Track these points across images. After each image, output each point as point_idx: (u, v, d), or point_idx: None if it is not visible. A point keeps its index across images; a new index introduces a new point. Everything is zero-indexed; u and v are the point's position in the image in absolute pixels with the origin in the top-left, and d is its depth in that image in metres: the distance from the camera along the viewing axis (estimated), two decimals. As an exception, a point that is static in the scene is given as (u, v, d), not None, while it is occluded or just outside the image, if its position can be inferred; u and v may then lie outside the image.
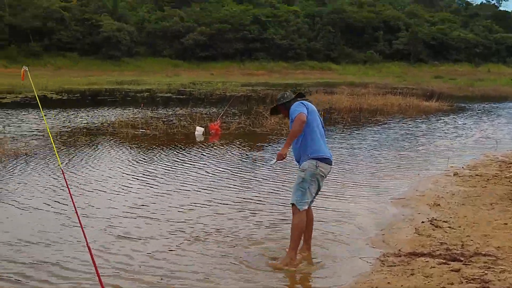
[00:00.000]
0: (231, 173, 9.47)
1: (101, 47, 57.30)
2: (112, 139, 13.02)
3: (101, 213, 6.73)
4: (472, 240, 5.57)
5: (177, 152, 11.56)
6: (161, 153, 11.36)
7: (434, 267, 4.81)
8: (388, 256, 5.26)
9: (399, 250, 5.40)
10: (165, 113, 19.26)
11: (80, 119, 17.00)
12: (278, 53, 65.68)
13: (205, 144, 12.85)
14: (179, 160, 10.59)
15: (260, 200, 7.47)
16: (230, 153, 11.54)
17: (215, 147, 12.29)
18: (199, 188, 8.20)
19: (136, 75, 47.95)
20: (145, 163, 10.20)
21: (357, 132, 15.70)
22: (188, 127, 15.22)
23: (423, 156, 11.59)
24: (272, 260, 5.15)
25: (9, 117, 16.97)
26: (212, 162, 10.49)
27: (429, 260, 5.01)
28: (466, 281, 4.42)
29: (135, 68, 56.05)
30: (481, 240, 5.58)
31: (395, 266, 4.96)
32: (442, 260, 5.00)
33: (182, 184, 8.44)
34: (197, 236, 5.89)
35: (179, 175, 9.18)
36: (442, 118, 20.04)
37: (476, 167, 10.10)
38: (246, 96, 28.67)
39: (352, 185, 8.51)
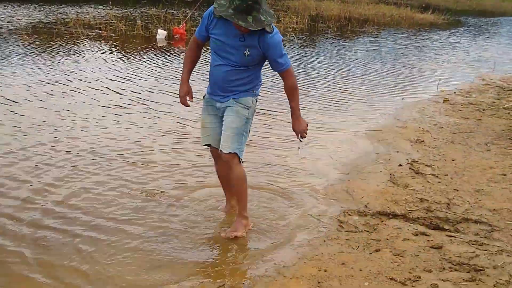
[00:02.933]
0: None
1: None
2: (57, 40, 11.29)
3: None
4: (461, 197, 4.28)
5: (128, 56, 9.97)
6: (108, 57, 9.76)
7: (408, 239, 3.54)
8: (350, 215, 3.97)
9: (365, 206, 4.11)
10: (131, 13, 17.31)
11: (35, 15, 15.05)
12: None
13: (164, 49, 11.22)
14: (126, 66, 9.04)
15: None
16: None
17: (173, 54, 10.67)
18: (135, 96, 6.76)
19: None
20: (80, 68, 8.63)
21: (340, 45, 14.09)
22: (151, 30, 13.49)
23: (411, 77, 10.16)
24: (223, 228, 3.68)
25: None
26: (164, 71, 8.95)
27: (402, 227, 3.73)
28: (450, 267, 3.16)
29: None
30: (473, 197, 4.30)
31: (356, 232, 3.69)
32: (420, 227, 3.74)
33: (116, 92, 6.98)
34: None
35: (120, 81, 7.69)
36: (436, 33, 18.37)
37: (470, 92, 8.74)
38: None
39: (319, 111, 7.10)
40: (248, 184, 3.61)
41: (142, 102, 6.84)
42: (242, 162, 3.48)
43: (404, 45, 14.78)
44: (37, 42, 10.80)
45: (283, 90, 3.46)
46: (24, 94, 6.76)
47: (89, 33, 12.53)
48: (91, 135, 5.44)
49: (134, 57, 9.99)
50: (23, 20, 14.01)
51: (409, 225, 3.77)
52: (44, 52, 9.90)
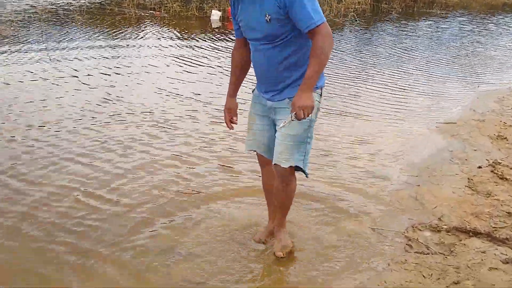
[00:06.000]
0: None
1: None
2: (109, 21, 10.97)
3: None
4: (560, 212, 3.51)
5: (178, 38, 9.49)
6: (158, 38, 9.32)
7: (496, 268, 2.82)
8: (420, 230, 3.29)
9: (439, 219, 3.41)
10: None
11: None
12: None
13: (217, 31, 10.66)
14: (177, 49, 8.55)
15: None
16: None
17: (227, 35, 10.08)
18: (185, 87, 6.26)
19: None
20: (130, 50, 8.22)
21: (405, 28, 13.07)
22: (205, 11, 12.95)
23: (485, 64, 9.11)
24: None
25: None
26: (214, 55, 8.39)
27: (487, 250, 3.01)
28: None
29: None
30: None
31: (428, 254, 3.00)
32: (510, 252, 3.00)
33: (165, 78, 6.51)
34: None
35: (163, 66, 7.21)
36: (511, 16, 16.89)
37: (557, 81, 7.71)
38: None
39: (383, 99, 6.34)
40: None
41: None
42: (307, 176, 2.79)
43: (476, 28, 13.56)
44: (89, 23, 10.53)
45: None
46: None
47: (142, 14, 12.15)
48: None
49: (187, 39, 9.49)
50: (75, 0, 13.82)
51: (496, 248, 3.03)
52: (95, 33, 9.57)
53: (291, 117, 2.50)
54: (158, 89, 6.22)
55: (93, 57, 7.56)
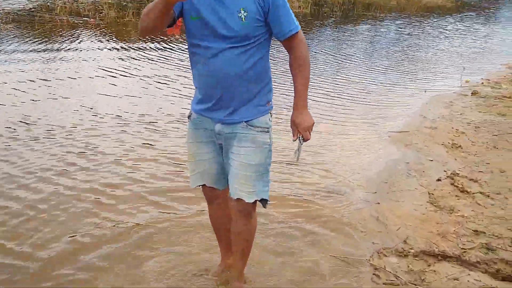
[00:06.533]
0: (172, 83, 6.98)
1: None
2: (39, 28, 10.28)
3: None
4: (527, 227, 3.33)
5: (111, 47, 8.96)
6: (90, 48, 8.75)
7: (471, 298, 2.59)
8: (386, 255, 3.03)
9: (404, 241, 3.16)
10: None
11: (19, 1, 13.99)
12: None
13: (154, 38, 10.18)
14: (108, 57, 8.04)
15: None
16: (179, 53, 8.91)
17: (164, 42, 9.63)
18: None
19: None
20: (55, 58, 7.65)
21: (346, 33, 13.04)
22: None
23: (429, 67, 9.12)
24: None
25: None
26: (149, 66, 7.95)
27: (459, 277, 2.77)
28: None
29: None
30: (543, 227, 3.35)
31: (398, 286, 2.73)
32: (483, 277, 2.78)
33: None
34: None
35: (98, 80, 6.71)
36: (446, 18, 17.26)
37: (499, 83, 7.76)
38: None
39: (331, 112, 6.08)
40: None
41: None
42: (267, 205, 2.39)
43: (413, 33, 13.68)
44: (16, 31, 9.81)
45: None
46: None
47: (76, 21, 11.49)
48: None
49: (120, 48, 8.99)
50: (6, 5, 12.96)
51: (468, 273, 2.81)
52: (21, 42, 8.89)
53: (300, 141, 2.30)
54: (83, 107, 5.64)
55: (15, 70, 6.94)
